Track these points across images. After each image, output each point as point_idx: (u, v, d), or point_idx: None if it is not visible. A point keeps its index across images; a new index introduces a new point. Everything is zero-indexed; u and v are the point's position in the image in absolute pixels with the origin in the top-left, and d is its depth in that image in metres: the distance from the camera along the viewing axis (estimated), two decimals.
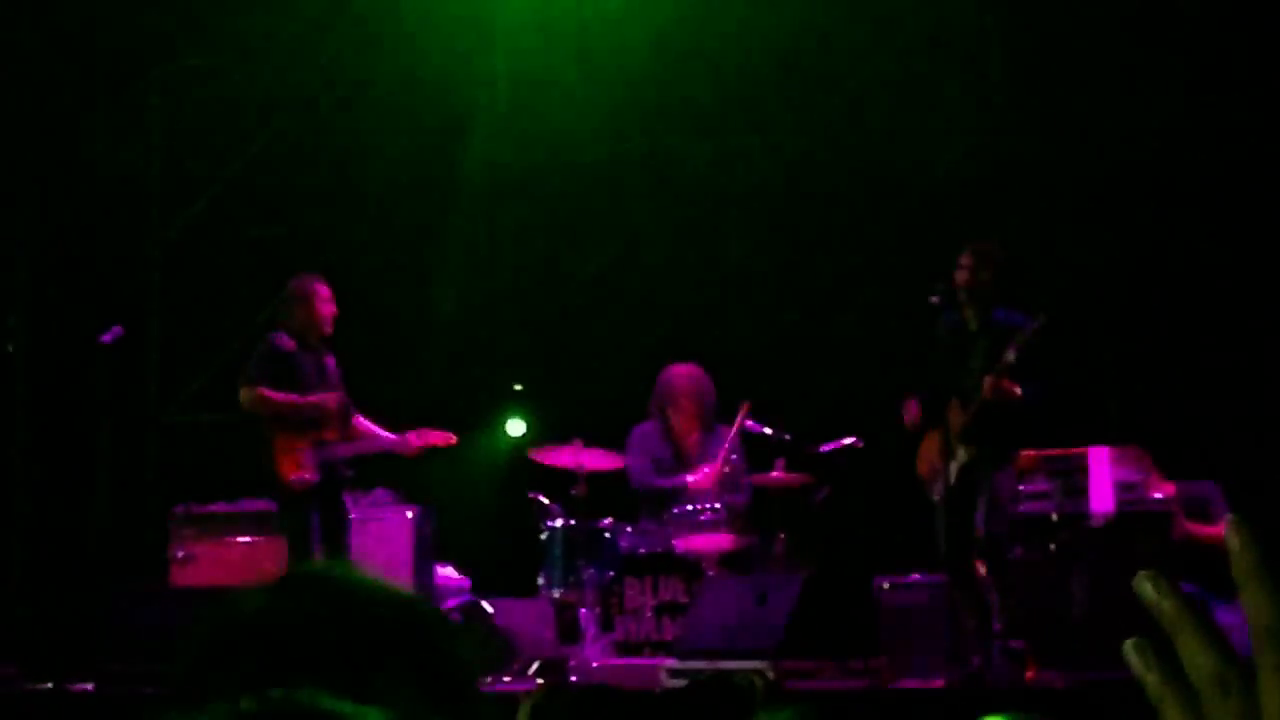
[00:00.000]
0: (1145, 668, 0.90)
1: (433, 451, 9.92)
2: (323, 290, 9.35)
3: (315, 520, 9.09)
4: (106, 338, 9.61)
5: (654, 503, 10.10)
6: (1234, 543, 0.88)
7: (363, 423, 9.51)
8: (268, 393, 9.05)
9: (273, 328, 9.36)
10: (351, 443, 9.39)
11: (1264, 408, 10.10)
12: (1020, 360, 8.29)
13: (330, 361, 9.43)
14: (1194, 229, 10.68)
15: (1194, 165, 10.74)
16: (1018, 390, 8.32)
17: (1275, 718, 0.85)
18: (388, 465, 10.95)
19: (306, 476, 9.07)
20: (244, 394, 9.10)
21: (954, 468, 8.52)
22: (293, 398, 9.10)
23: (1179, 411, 10.29)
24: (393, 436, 9.52)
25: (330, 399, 9.22)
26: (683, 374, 10.21)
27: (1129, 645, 0.90)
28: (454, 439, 9.55)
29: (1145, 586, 0.90)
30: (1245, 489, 9.16)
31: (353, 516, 10.32)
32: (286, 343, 9.20)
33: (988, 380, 8.33)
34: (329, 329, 9.34)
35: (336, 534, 9.25)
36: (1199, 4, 10.74)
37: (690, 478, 10.03)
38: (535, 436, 11.07)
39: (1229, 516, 0.90)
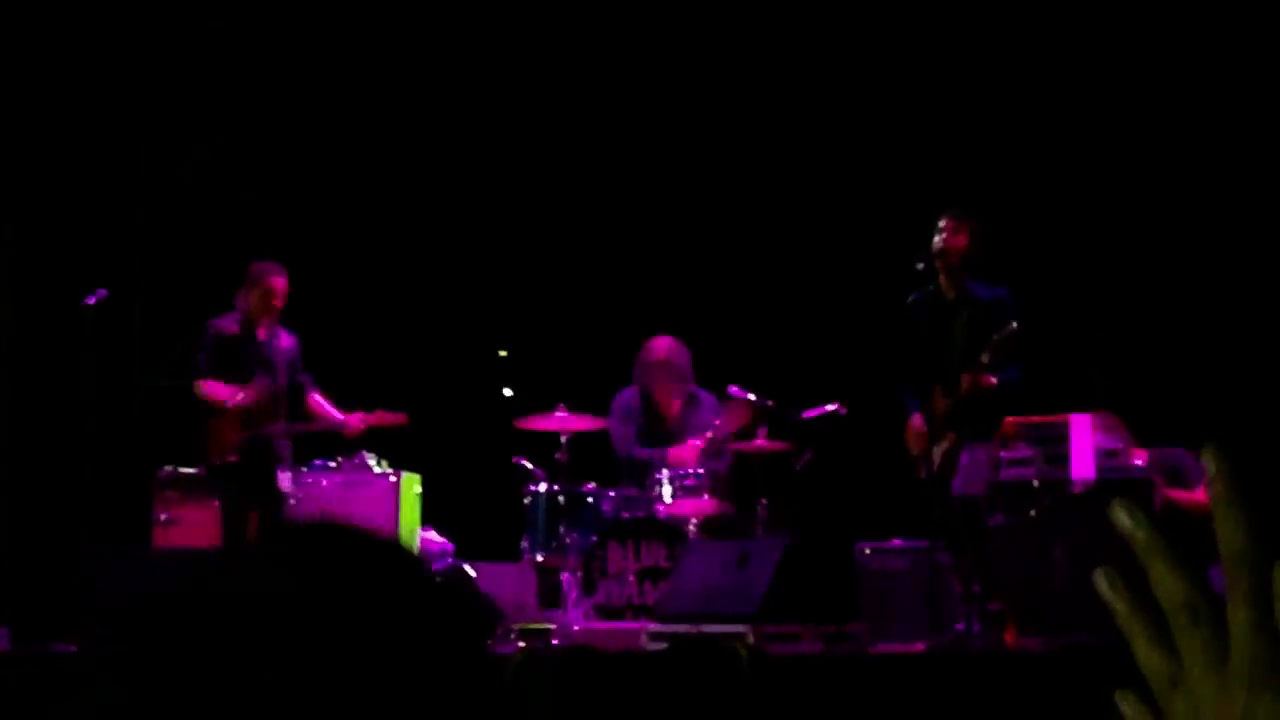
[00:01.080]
0: (1115, 596, 0.91)
1: (415, 415, 9.98)
2: (277, 283, 9.73)
3: (241, 496, 9.57)
4: (90, 300, 9.61)
5: (635, 470, 10.14)
6: (1210, 469, 0.89)
7: (316, 401, 9.76)
8: (206, 389, 9.57)
9: (227, 308, 9.76)
10: (289, 424, 9.74)
11: (1246, 376, 10.14)
12: (994, 358, 8.38)
13: (285, 342, 9.81)
14: (1172, 197, 10.71)
15: (1174, 133, 10.76)
16: (994, 381, 8.44)
17: (1241, 641, 0.86)
18: (371, 431, 10.98)
19: (229, 458, 9.54)
20: (192, 386, 9.61)
21: (938, 452, 8.60)
22: (224, 396, 9.53)
23: (1160, 380, 10.32)
24: (339, 417, 9.72)
25: (253, 392, 9.50)
26: (660, 347, 10.25)
27: (1099, 574, 0.92)
28: (404, 419, 9.81)
29: (1120, 515, 0.91)
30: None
31: (338, 480, 10.39)
32: (228, 326, 9.69)
33: (965, 378, 8.44)
34: (275, 314, 9.75)
35: (266, 510, 9.59)
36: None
37: (673, 451, 10.06)
38: (519, 402, 11.06)
39: (1207, 443, 0.91)
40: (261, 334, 9.74)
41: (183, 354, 9.71)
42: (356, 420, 9.80)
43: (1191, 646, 0.88)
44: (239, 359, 9.63)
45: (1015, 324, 8.37)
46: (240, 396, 9.52)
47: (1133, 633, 0.90)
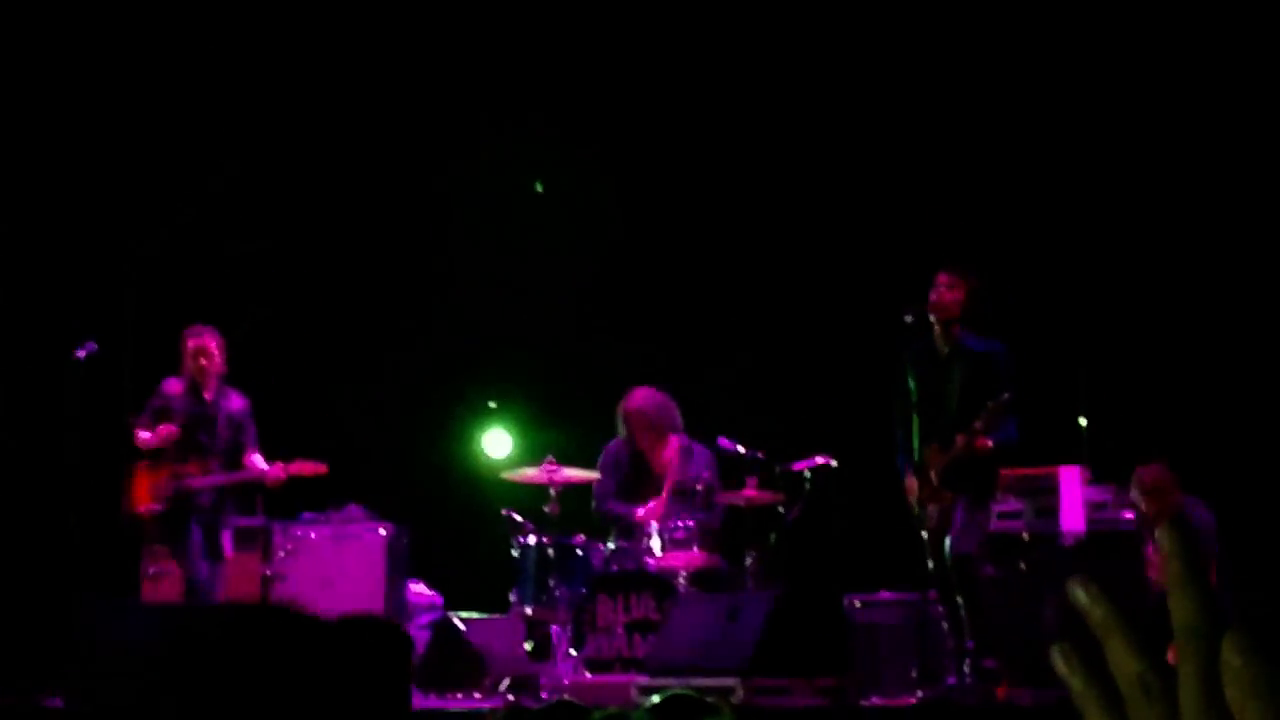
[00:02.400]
0: (1070, 671, 0.92)
1: (405, 468, 9.98)
2: (187, 344, 9.90)
3: (154, 545, 9.75)
4: (80, 353, 9.62)
5: (610, 524, 10.16)
6: (1165, 546, 0.90)
7: (250, 459, 9.91)
8: (138, 435, 9.77)
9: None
10: (209, 476, 9.79)
11: (1235, 425, 10.15)
12: (988, 424, 8.40)
13: (232, 404, 9.94)
14: (1165, 247, 10.75)
15: (1167, 182, 10.80)
16: (990, 444, 8.45)
17: (1191, 714, 0.87)
18: (362, 483, 10.98)
19: (155, 507, 9.64)
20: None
21: (934, 509, 8.61)
22: (150, 439, 9.73)
23: (1148, 431, 10.33)
24: (260, 468, 9.90)
25: (155, 437, 9.70)
26: (636, 400, 10.26)
27: (1054, 650, 0.93)
28: (324, 469, 9.89)
29: (1077, 592, 0.92)
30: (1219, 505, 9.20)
31: (326, 534, 10.39)
32: (172, 386, 9.90)
33: (959, 440, 8.44)
34: (214, 377, 9.90)
35: (187, 569, 9.66)
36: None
37: (640, 511, 10.06)
38: (510, 455, 11.06)
39: (1162, 523, 0.92)
40: (207, 395, 9.88)
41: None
42: (276, 470, 9.84)
43: (1145, 718, 0.89)
44: (172, 416, 9.78)
45: (1008, 395, 8.38)
46: (146, 436, 9.69)
47: (1086, 707, 0.91)
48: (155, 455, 9.74)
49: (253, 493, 10.20)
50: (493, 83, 12.35)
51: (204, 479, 9.81)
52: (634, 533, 9.93)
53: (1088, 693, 0.91)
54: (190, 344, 9.89)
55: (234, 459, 9.93)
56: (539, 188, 12.17)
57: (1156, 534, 0.90)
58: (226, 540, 9.94)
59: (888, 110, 11.57)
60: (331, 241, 12.51)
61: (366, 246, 12.51)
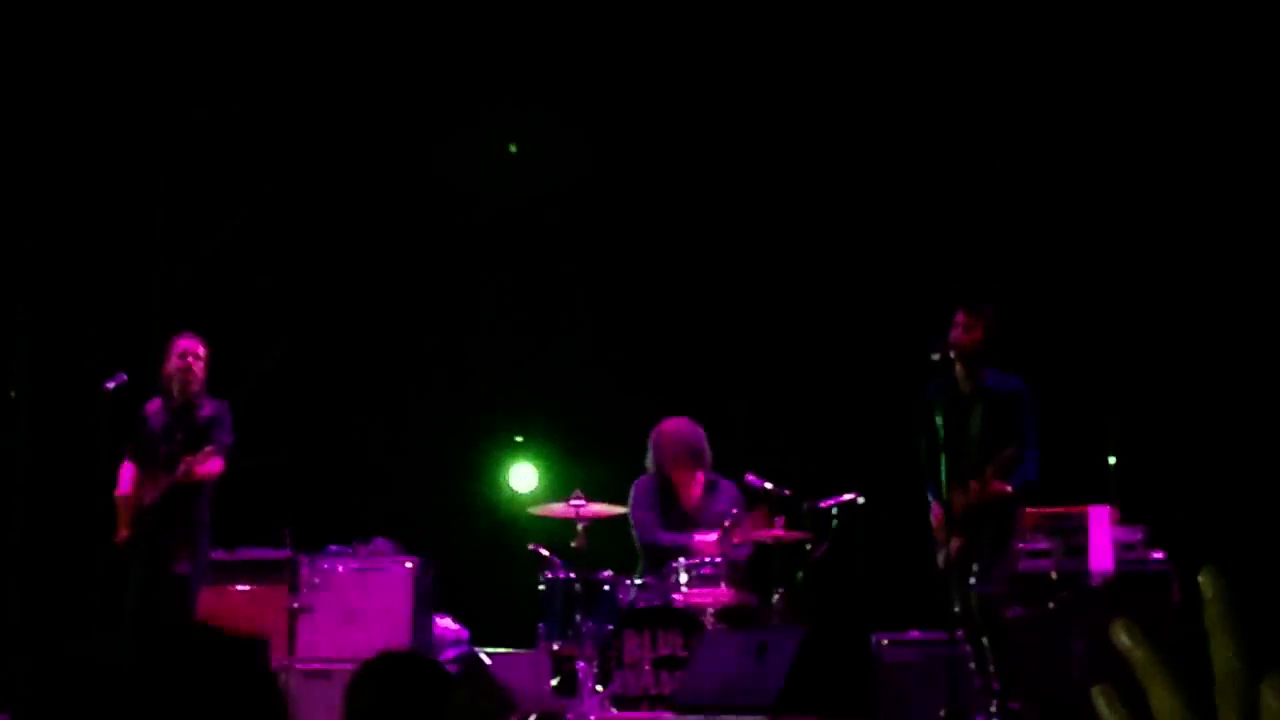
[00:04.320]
0: (1110, 712, 0.92)
1: (432, 502, 9.93)
2: (176, 345, 9.71)
3: (142, 572, 9.44)
4: (110, 384, 9.63)
5: (656, 557, 10.10)
6: (1207, 592, 0.90)
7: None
8: (120, 473, 9.64)
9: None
10: (154, 490, 9.58)
11: (1266, 465, 10.10)
12: (999, 474, 8.40)
13: (204, 412, 9.66)
14: (1196, 286, 10.72)
15: (1197, 222, 10.78)
16: (1008, 489, 8.45)
17: None
18: (389, 516, 10.98)
19: (123, 534, 9.50)
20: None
21: (956, 544, 8.59)
22: (121, 491, 9.59)
23: (1178, 471, 10.30)
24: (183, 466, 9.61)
25: (123, 502, 9.56)
26: (671, 428, 10.25)
27: (1095, 691, 0.93)
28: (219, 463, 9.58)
29: (1120, 635, 0.92)
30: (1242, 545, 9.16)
31: (353, 567, 10.39)
32: (150, 405, 9.69)
33: (974, 487, 8.44)
34: (193, 384, 9.65)
35: (160, 587, 9.45)
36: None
37: (698, 537, 10.03)
38: (536, 489, 11.07)
39: (1204, 567, 0.92)
40: (179, 409, 9.63)
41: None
42: (183, 465, 9.46)
43: None
44: (146, 435, 9.64)
45: (1013, 450, 8.40)
46: (121, 493, 9.58)
47: None
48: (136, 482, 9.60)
49: (196, 496, 9.70)
50: (518, 110, 12.38)
51: (151, 495, 9.57)
52: (663, 567, 9.91)
53: None
54: (181, 344, 9.68)
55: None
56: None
57: (1199, 579, 0.91)
58: (183, 562, 9.55)
59: (919, 145, 11.57)
60: (359, 275, 12.55)
61: (394, 280, 12.54)
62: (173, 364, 9.66)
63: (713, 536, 9.97)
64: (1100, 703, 0.93)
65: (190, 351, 9.69)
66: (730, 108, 12.04)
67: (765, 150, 12.03)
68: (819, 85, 11.85)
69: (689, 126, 12.11)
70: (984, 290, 9.11)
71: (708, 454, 10.22)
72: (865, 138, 11.73)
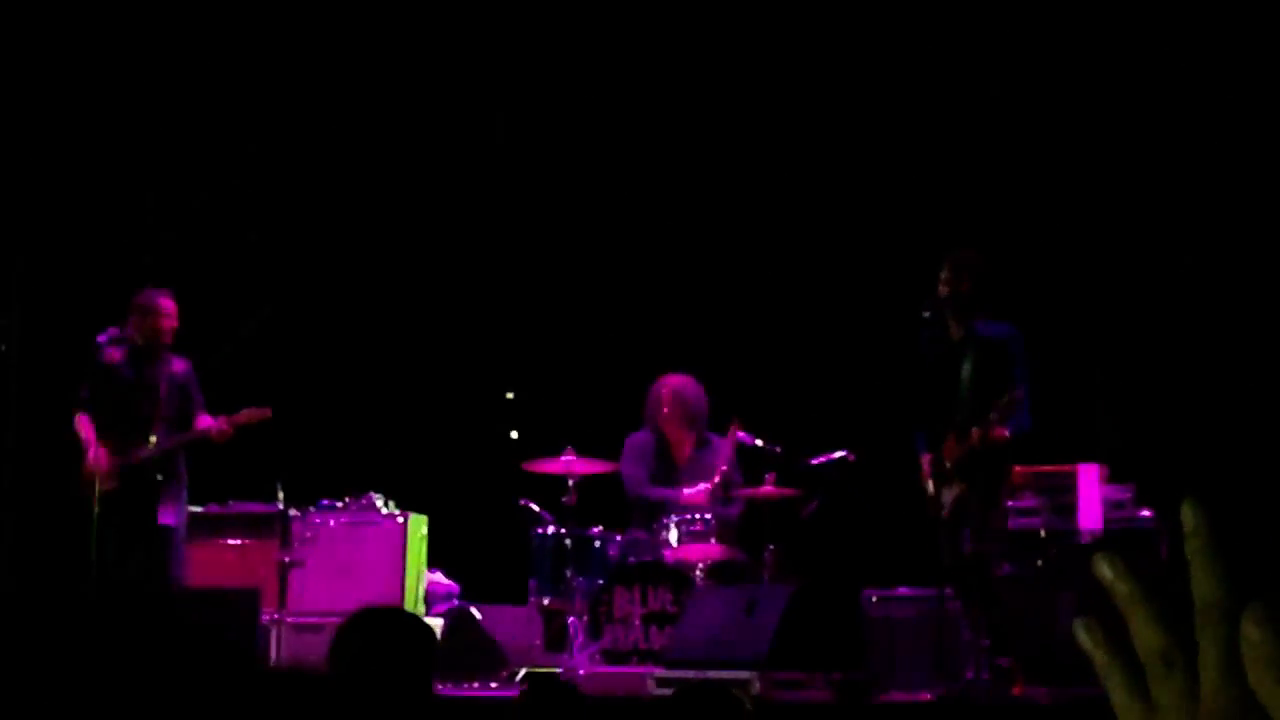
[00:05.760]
0: (1093, 644, 0.94)
1: (423, 457, 9.94)
2: (165, 304, 9.71)
3: (120, 528, 9.40)
4: (102, 338, 9.62)
5: (646, 512, 10.12)
6: (1188, 523, 0.91)
7: (201, 420, 9.70)
8: (79, 424, 9.58)
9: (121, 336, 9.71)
10: (154, 445, 9.59)
11: (1256, 423, 10.13)
12: (1001, 417, 8.39)
13: (176, 368, 9.72)
14: (1186, 243, 10.73)
15: (1190, 177, 10.78)
16: (1006, 434, 8.45)
17: (1211, 687, 0.89)
18: (380, 471, 11.00)
19: (105, 486, 9.36)
20: (73, 416, 9.64)
21: (948, 497, 8.60)
22: (88, 439, 9.51)
23: (1167, 429, 10.32)
24: (204, 424, 9.68)
25: (96, 464, 9.41)
26: (673, 384, 10.26)
27: (1078, 624, 0.94)
28: (268, 413, 9.64)
29: (1102, 566, 0.93)
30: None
31: (344, 521, 10.42)
32: (111, 354, 9.61)
33: (975, 432, 8.44)
34: (167, 339, 9.70)
35: (150, 546, 9.50)
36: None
37: (686, 491, 10.06)
38: (527, 445, 11.08)
39: (1185, 498, 0.93)
40: (149, 363, 9.67)
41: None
42: (220, 423, 9.58)
43: (1166, 692, 0.91)
44: (116, 385, 9.59)
45: (1021, 389, 8.38)
46: (93, 458, 9.43)
47: (1110, 680, 0.93)
48: (102, 433, 9.52)
49: (231, 461, 9.92)
50: (511, 87, 12.36)
51: (150, 449, 9.60)
52: (654, 522, 9.94)
53: (1111, 665, 0.93)
54: (165, 303, 9.67)
55: (182, 425, 9.69)
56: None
57: (1181, 510, 0.91)
58: (169, 513, 9.63)
59: (908, 99, 11.56)
60: (349, 231, 12.54)
61: (386, 234, 12.53)
62: (162, 322, 9.65)
63: (701, 488, 10.01)
64: (1083, 635, 0.94)
65: (165, 312, 9.68)
66: (719, 63, 12.01)
67: (753, 104, 12.01)
68: (807, 45, 11.84)
69: (676, 81, 12.08)
70: (973, 239, 9.12)
71: (705, 414, 10.24)
72: (851, 91, 11.71)
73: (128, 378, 9.65)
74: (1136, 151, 10.97)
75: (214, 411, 9.73)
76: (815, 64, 11.84)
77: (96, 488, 9.35)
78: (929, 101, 11.52)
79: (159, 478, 9.59)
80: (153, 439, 9.59)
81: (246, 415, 9.60)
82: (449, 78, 12.39)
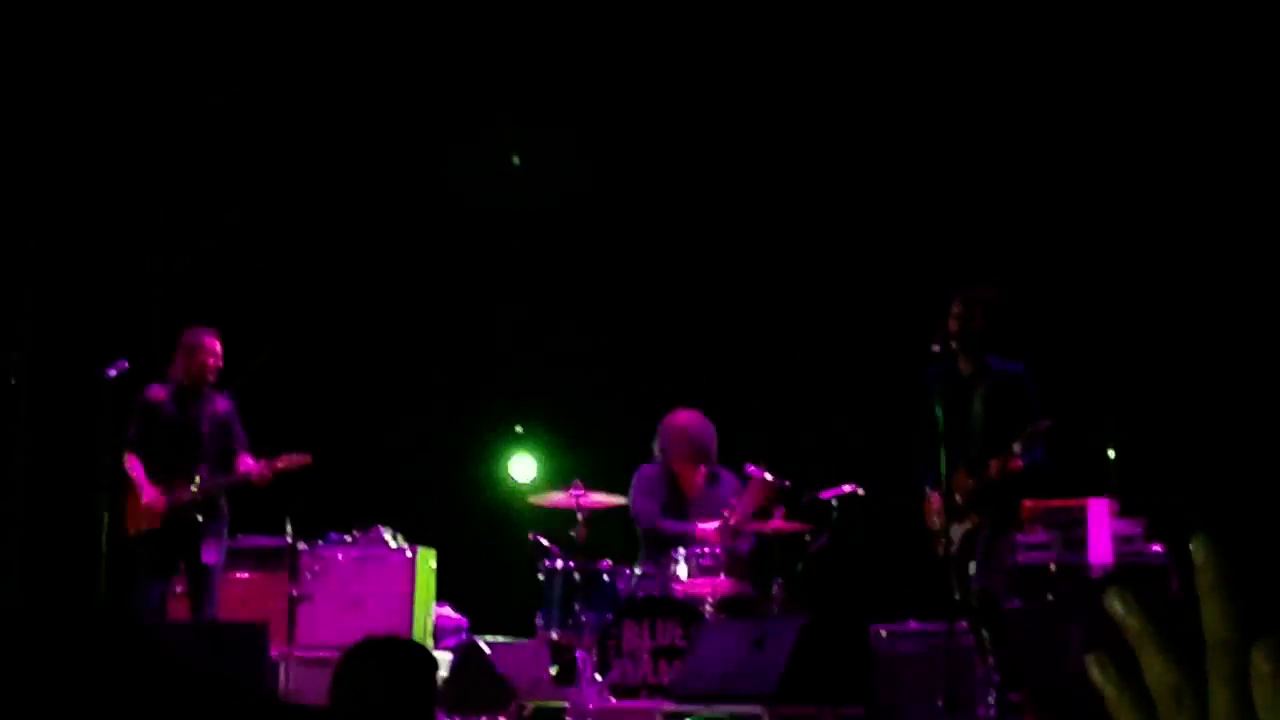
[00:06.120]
0: (1105, 679, 0.93)
1: (432, 491, 9.94)
2: (210, 343, 9.89)
3: (160, 566, 9.67)
4: (110, 372, 9.64)
5: (656, 546, 10.10)
6: (1198, 558, 0.91)
7: (242, 461, 9.85)
8: (129, 465, 9.75)
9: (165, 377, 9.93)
10: (202, 488, 9.76)
11: (1267, 459, 10.11)
12: (1025, 447, 8.36)
13: (219, 407, 9.89)
14: (1198, 279, 10.72)
15: (1200, 214, 10.77)
16: (1021, 466, 8.43)
17: None
18: (388, 505, 10.99)
19: (146, 527, 9.61)
20: (120, 455, 9.77)
21: (958, 531, 8.59)
22: (140, 480, 9.70)
23: (1178, 464, 10.30)
24: (246, 468, 9.82)
25: (162, 502, 9.64)
26: (683, 420, 10.26)
27: (1089, 658, 0.94)
28: (308, 459, 9.78)
29: (1114, 602, 0.93)
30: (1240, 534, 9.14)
31: (353, 555, 10.42)
32: (156, 393, 9.83)
33: (993, 464, 8.42)
34: (212, 378, 9.88)
35: (194, 585, 9.73)
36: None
37: (700, 525, 10.05)
38: (536, 479, 11.08)
39: (1196, 534, 0.93)
40: (193, 402, 9.83)
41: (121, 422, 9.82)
42: (261, 467, 9.76)
43: None
44: (162, 423, 9.76)
45: (1047, 421, 8.36)
46: (149, 499, 9.63)
47: (1121, 715, 0.93)
48: (147, 473, 9.71)
49: (241, 496, 10.06)
50: (526, 109, 12.38)
51: (194, 492, 9.74)
52: (663, 556, 9.92)
53: (1122, 700, 0.92)
54: (211, 342, 9.84)
55: (224, 464, 9.85)
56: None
57: (1191, 545, 0.91)
58: (211, 559, 9.83)
59: (918, 136, 11.57)
60: (360, 265, 12.55)
61: (396, 270, 12.54)
62: (209, 360, 9.82)
63: (715, 525, 9.99)
64: (1094, 669, 0.94)
65: (214, 351, 9.87)
66: (732, 100, 12.03)
67: (765, 141, 12.03)
68: (820, 79, 11.85)
69: (688, 118, 12.10)
70: (983, 275, 9.10)
71: (714, 449, 10.24)
72: (864, 128, 11.72)
73: (172, 417, 9.78)
74: (1147, 186, 10.96)
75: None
76: (828, 99, 11.84)
77: (138, 526, 9.52)
78: (940, 137, 11.52)
79: (199, 518, 9.74)
80: (196, 480, 9.69)
81: (286, 461, 9.76)
82: (454, 111, 12.41)
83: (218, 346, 9.88)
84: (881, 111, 11.68)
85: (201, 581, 9.73)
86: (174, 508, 9.68)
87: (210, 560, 9.74)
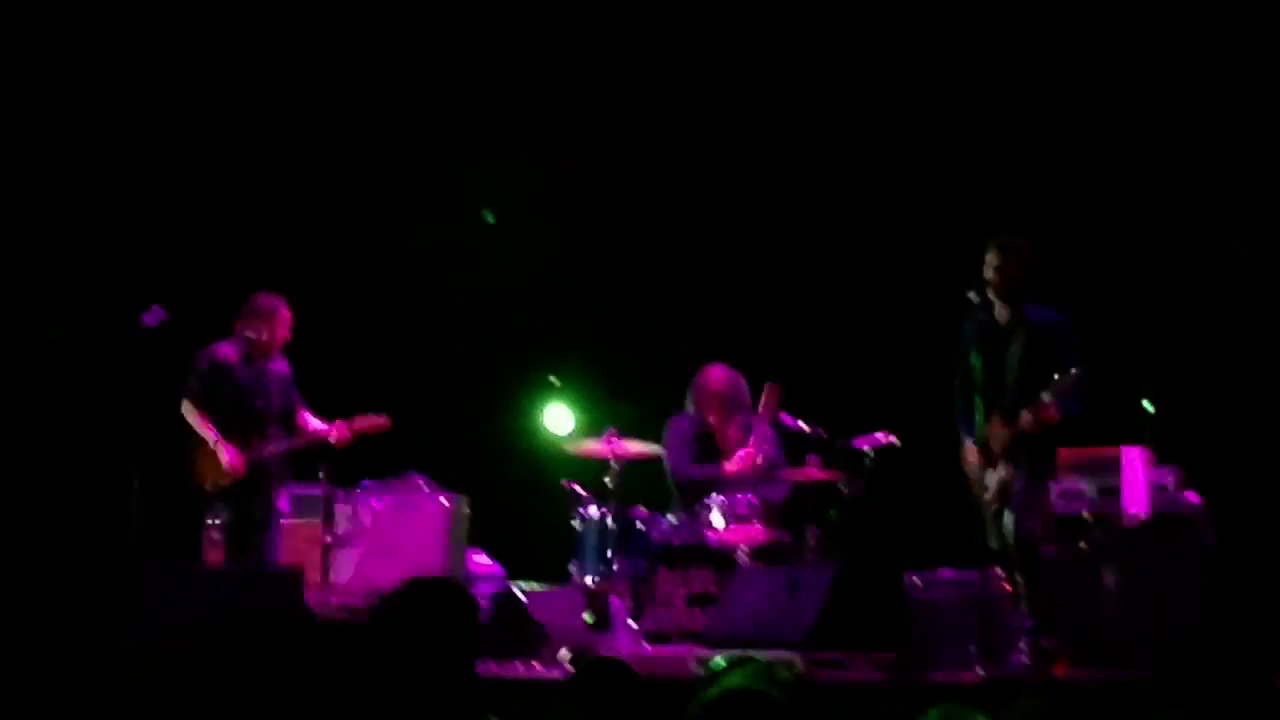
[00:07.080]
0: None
1: (467, 439, 9.97)
2: (285, 314, 10.00)
3: (244, 518, 9.82)
4: (149, 320, 9.65)
5: (689, 493, 10.13)
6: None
7: (305, 419, 10.06)
8: (193, 411, 9.81)
9: (229, 333, 9.99)
10: (281, 445, 9.94)
11: None
12: (1056, 397, 8.32)
13: (280, 368, 10.04)
14: (1232, 229, 10.67)
15: (1235, 163, 10.72)
16: (1057, 416, 8.39)
17: None
18: (424, 453, 11.02)
19: (225, 481, 9.76)
20: (182, 403, 9.83)
21: (994, 480, 8.59)
22: (208, 428, 9.79)
23: (1214, 413, 10.28)
24: (324, 429, 10.00)
25: (234, 461, 9.75)
26: (715, 376, 10.29)
27: None
28: (386, 421, 10.00)
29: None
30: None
31: (389, 502, 10.46)
32: (227, 353, 9.91)
33: (1027, 413, 8.39)
34: (280, 345, 10.01)
35: (259, 531, 9.85)
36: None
37: (727, 465, 10.09)
38: (571, 428, 11.09)
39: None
40: (260, 363, 9.96)
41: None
42: (341, 429, 9.94)
43: None
44: (233, 385, 9.86)
45: (1079, 370, 8.32)
46: (231, 459, 9.74)
47: None
48: (226, 428, 9.79)
49: (312, 455, 10.21)
50: (535, 82, 12.37)
51: (273, 446, 9.88)
52: (696, 503, 9.94)
53: None
54: (282, 311, 9.96)
55: (288, 423, 10.00)
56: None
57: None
58: (284, 505, 10.11)
59: (956, 80, 11.52)
60: (396, 216, 12.56)
61: (430, 221, 12.55)
62: (281, 328, 9.96)
63: (741, 455, 10.00)
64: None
65: (288, 321, 10.00)
66: (780, 54, 11.99)
67: (803, 90, 11.98)
68: (852, 36, 11.81)
69: (732, 74, 12.06)
70: (1019, 225, 9.06)
71: (748, 402, 10.25)
72: (903, 75, 11.68)
73: (242, 376, 9.89)
74: (1185, 135, 10.90)
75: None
76: (860, 49, 11.80)
77: (217, 482, 9.74)
78: (977, 85, 11.47)
79: (279, 469, 10.00)
80: (270, 438, 9.83)
81: (365, 423, 9.96)
82: (451, 83, 12.41)
83: (291, 317, 10.00)
84: (922, 59, 11.63)
85: (270, 526, 9.90)
86: (256, 462, 9.79)
87: (283, 505, 10.07)
